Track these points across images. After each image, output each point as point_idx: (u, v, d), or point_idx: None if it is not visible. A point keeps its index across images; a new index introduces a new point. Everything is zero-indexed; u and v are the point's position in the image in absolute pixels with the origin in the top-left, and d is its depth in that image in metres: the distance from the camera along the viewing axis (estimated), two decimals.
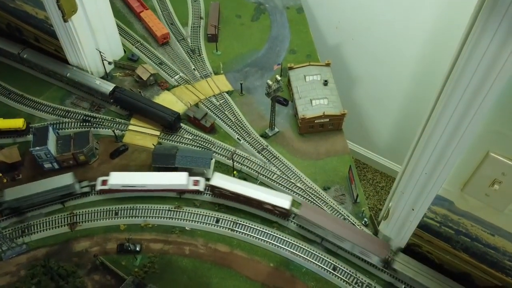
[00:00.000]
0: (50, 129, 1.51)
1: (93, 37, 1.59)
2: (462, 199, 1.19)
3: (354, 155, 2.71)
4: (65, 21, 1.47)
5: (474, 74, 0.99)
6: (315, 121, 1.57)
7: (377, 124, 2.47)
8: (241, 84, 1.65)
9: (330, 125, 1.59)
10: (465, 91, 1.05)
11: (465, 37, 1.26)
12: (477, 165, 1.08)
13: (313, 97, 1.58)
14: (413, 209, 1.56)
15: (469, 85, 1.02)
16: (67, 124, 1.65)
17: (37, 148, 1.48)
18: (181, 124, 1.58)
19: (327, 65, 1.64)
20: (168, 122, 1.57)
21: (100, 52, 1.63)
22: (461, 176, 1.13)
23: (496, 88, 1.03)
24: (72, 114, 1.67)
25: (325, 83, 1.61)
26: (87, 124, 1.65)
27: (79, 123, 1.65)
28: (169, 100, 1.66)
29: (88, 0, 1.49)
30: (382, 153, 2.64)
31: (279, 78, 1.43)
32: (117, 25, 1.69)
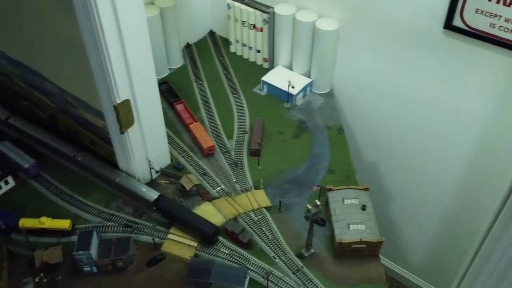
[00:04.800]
0: (94, 233, 1.56)
1: (144, 146, 1.69)
2: None
3: (388, 272, 2.64)
4: (122, 133, 1.59)
5: None
6: (352, 246, 1.58)
7: (412, 243, 2.43)
8: (280, 201, 1.69)
9: (367, 251, 1.58)
10: None
11: None
12: None
13: (351, 221, 1.59)
14: None
15: None
16: (110, 227, 1.70)
17: (80, 252, 1.51)
18: (219, 237, 1.61)
19: (366, 189, 1.67)
20: (207, 235, 1.59)
21: (149, 161, 1.73)
22: None
23: None
24: (115, 218, 1.72)
25: (363, 207, 1.63)
26: (129, 229, 1.69)
27: (121, 228, 1.70)
28: (209, 212, 1.70)
29: (144, 115, 1.61)
30: (418, 273, 2.56)
31: (318, 203, 1.46)
32: (166, 134, 1.81)
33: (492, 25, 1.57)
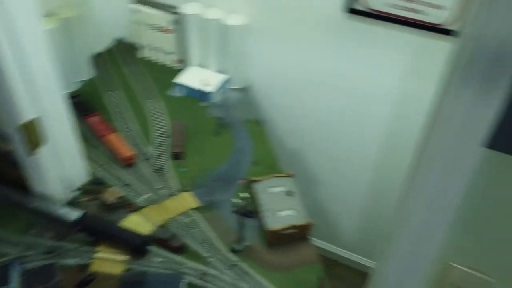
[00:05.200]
0: (14, 266, 1.46)
1: (58, 166, 1.59)
2: None
3: (323, 252, 2.71)
4: (31, 155, 1.49)
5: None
6: (283, 232, 1.60)
7: (343, 221, 2.51)
8: (207, 199, 1.67)
9: (298, 235, 1.61)
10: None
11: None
12: (441, 275, 1.11)
13: (279, 208, 1.61)
14: None
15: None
16: (31, 256, 1.60)
17: None
18: (150, 247, 1.57)
19: (290, 176, 1.70)
20: (135, 247, 1.54)
21: (64, 179, 1.64)
22: (427, 286, 1.15)
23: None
24: (36, 246, 1.62)
25: (290, 193, 1.66)
26: (52, 255, 1.60)
27: (43, 255, 1.60)
28: (136, 222, 1.65)
29: (55, 133, 1.51)
30: (351, 248, 2.65)
31: (244, 194, 1.46)
32: (81, 149, 1.73)
33: (394, 6, 1.64)
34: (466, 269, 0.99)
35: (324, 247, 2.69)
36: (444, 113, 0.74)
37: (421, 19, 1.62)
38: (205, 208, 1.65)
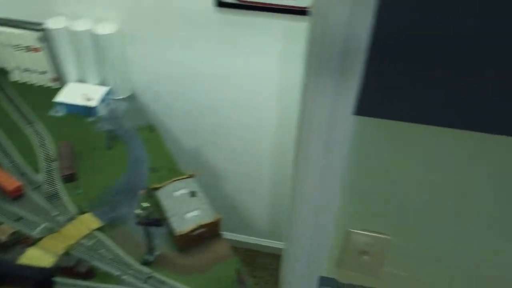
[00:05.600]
0: None
1: None
2: (343, 275, 1.26)
3: (241, 245, 2.74)
4: None
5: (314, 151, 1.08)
6: (192, 234, 1.58)
7: (254, 210, 2.56)
8: (110, 216, 1.60)
9: (208, 234, 1.61)
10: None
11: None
12: (344, 242, 1.18)
13: (185, 211, 1.59)
14: None
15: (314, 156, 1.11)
16: None
17: None
18: (56, 278, 1.47)
19: (191, 176, 1.68)
20: (39, 282, 1.44)
21: None
22: (335, 254, 1.21)
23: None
24: None
25: (193, 194, 1.65)
26: None
27: None
28: (36, 256, 1.53)
29: None
30: (265, 235, 2.71)
31: (145, 204, 1.43)
32: None
33: None
34: (363, 232, 1.06)
35: (241, 240, 2.73)
36: (310, 94, 0.78)
37: (292, 4, 1.69)
38: (109, 226, 1.58)
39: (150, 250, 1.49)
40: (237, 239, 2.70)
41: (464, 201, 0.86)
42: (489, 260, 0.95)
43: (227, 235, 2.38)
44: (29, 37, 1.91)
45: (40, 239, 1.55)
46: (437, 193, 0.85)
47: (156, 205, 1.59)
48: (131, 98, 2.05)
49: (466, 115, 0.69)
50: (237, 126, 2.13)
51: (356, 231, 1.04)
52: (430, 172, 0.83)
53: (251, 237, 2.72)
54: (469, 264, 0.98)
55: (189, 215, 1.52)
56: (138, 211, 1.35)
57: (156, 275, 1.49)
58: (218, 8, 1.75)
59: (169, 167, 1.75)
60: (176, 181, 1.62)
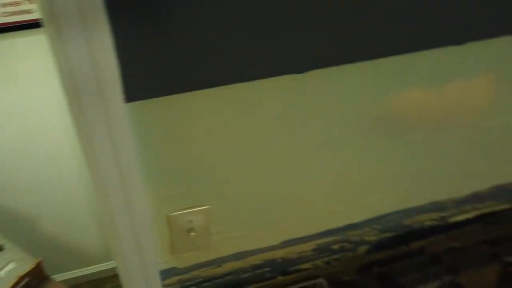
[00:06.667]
0: None
1: None
2: (180, 259, 1.27)
3: (86, 278, 2.58)
4: None
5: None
6: None
7: (83, 238, 2.41)
8: None
9: (35, 281, 1.46)
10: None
11: None
12: (169, 228, 1.18)
13: None
14: None
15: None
16: None
17: None
18: None
19: None
20: None
21: None
22: (165, 243, 1.21)
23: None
24: None
25: (1, 248, 1.47)
26: None
27: None
28: None
29: None
30: (108, 257, 2.59)
31: None
32: None
33: (2, 14, 1.55)
34: (182, 212, 1.07)
35: (83, 273, 2.56)
36: (74, 101, 0.75)
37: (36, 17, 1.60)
38: None
39: None
40: (77, 274, 2.53)
41: (259, 150, 0.93)
42: (289, 183, 1.06)
43: (65, 275, 2.21)
44: None
45: None
46: (236, 150, 0.91)
47: None
48: None
49: (226, 72, 0.74)
50: (26, 165, 1.96)
51: (175, 213, 1.05)
52: (217, 134, 0.87)
53: (92, 266, 2.57)
54: (283, 203, 1.07)
55: (3, 272, 1.35)
56: None
57: None
58: None
59: None
60: None
